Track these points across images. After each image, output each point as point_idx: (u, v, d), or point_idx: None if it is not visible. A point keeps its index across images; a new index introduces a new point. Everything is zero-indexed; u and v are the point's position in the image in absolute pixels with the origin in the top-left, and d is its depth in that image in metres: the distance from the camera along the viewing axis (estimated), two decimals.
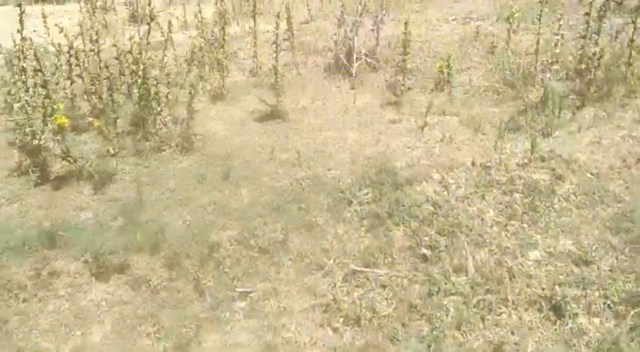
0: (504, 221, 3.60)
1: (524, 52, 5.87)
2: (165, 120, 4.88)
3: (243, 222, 3.83)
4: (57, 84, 5.56)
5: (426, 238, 3.55)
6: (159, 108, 4.84)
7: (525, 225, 3.54)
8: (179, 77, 6.20)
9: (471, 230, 3.55)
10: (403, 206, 3.80)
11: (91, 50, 5.50)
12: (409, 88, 5.42)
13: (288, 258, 3.52)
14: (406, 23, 5.21)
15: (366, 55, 6.23)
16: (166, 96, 5.02)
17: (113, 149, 4.62)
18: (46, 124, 4.69)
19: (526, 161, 4.13)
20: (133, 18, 8.31)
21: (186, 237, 3.72)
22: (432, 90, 5.58)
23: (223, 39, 5.77)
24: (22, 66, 4.94)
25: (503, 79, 5.36)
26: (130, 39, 5.35)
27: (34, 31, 5.80)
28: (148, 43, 5.79)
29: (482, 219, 3.63)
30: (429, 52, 6.24)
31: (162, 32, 6.08)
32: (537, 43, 5.14)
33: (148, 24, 5.61)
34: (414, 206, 3.79)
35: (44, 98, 4.58)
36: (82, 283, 3.57)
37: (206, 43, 6.41)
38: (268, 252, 3.58)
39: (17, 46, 5.00)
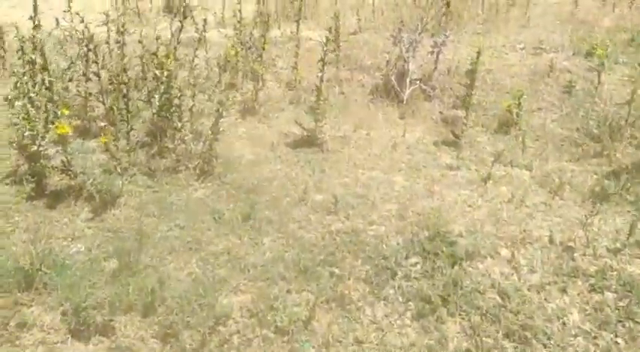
0: (593, 330, 2.75)
1: (608, 98, 5.01)
2: (185, 137, 4.16)
3: (261, 285, 3.06)
4: (70, 80, 4.90)
5: (490, 340, 2.75)
6: (179, 124, 4.12)
7: (620, 341, 2.71)
8: (208, 82, 5.51)
9: (549, 338, 2.70)
10: (462, 289, 2.97)
11: (117, 42, 4.83)
12: (470, 126, 4.62)
13: (311, 346, 2.74)
14: (479, 52, 4.39)
15: (421, 81, 5.43)
16: (190, 110, 4.31)
17: (120, 168, 3.92)
18: (47, 131, 4.02)
19: (619, 246, 3.29)
20: (168, 8, 7.62)
21: (190, 297, 2.97)
22: (496, 132, 4.77)
23: (263, 47, 5.01)
24: (31, 58, 4.28)
25: (585, 129, 4.50)
26: (157, 39, 4.65)
27: (63, 16, 5.16)
28: (179, 43, 5.10)
29: (564, 324, 2.79)
30: (493, 84, 5.37)
31: (196, 28, 5.38)
32: (634, 92, 4.28)
33: (181, 21, 4.89)
34: (476, 292, 2.96)
35: (47, 102, 3.90)
36: (55, 341, 2.83)
37: (243, 47, 5.69)
38: (287, 333, 2.80)
39: (28, 35, 4.36)
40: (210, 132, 4.01)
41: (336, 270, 3.14)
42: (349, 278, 3.08)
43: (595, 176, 3.97)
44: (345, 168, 4.18)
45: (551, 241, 3.33)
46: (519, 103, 4.64)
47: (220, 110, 3.87)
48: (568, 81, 5.23)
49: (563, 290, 2.96)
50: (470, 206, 3.68)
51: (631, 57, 5.59)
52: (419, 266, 3.14)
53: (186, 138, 4.12)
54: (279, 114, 5.07)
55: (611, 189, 3.67)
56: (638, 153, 4.09)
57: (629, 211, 3.54)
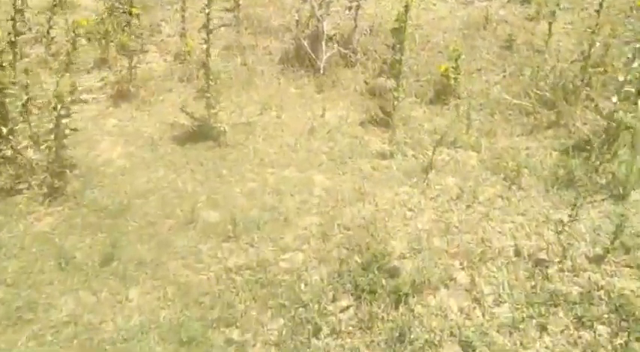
0: None
1: (556, 52, 4.27)
2: (20, 145, 2.98)
3: None
4: None
5: None
6: (5, 128, 2.92)
7: None
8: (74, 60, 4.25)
9: None
10: (412, 345, 2.15)
11: None
12: (402, 98, 3.71)
13: None
14: (407, 5, 3.45)
15: (340, 44, 4.44)
16: (24, 105, 3.09)
17: None
18: None
19: (601, 251, 2.54)
20: None
21: None
22: (433, 103, 3.91)
23: (130, 12, 3.77)
24: None
25: (534, 93, 3.73)
26: None
27: None
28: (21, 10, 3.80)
29: None
30: (424, 43, 4.43)
31: None
32: (591, 43, 3.51)
33: None
34: (431, 346, 2.16)
35: None
36: None
37: (111, 12, 4.42)
38: None
39: None
40: (52, 135, 2.86)
41: (235, 334, 2.21)
42: (254, 345, 2.17)
43: (554, 152, 3.22)
44: (250, 168, 3.16)
45: (517, 253, 2.50)
46: (457, 66, 3.79)
47: (57, 104, 2.71)
48: (508, 34, 4.42)
49: (543, 328, 2.20)
50: (411, 210, 2.79)
51: (574, 1, 4.88)
52: (351, 313, 2.24)
53: (20, 146, 2.95)
54: (163, 98, 3.91)
55: (578, 170, 2.94)
56: (600, 120, 3.39)
57: (604, 199, 2.82)
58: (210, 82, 3.28)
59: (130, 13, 3.66)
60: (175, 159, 3.19)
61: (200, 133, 3.36)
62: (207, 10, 3.21)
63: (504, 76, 3.95)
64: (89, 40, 4.59)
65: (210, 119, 3.39)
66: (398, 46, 3.86)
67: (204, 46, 3.31)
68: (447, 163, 3.11)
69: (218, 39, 4.71)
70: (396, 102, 3.45)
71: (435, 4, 4.97)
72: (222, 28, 4.87)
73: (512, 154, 3.17)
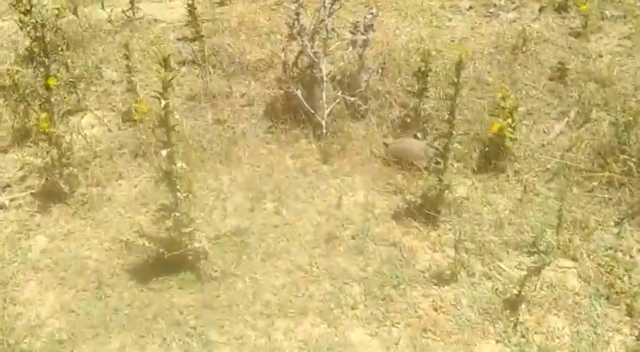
0: None
1: (622, 82, 3.29)
2: None
3: None
4: None
5: None
6: None
7: None
8: None
9: None
10: None
11: None
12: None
13: None
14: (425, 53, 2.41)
15: (343, 89, 3.38)
16: None
17: None
18: None
19: None
20: None
21: None
22: (480, 169, 2.89)
23: (47, 82, 2.52)
24: None
25: (618, 151, 2.76)
26: None
27: None
28: None
29: None
30: (448, 75, 3.50)
31: None
32: None
33: None
34: None
35: None
36: None
37: (32, 59, 3.22)
38: None
39: None
40: None
41: None
42: None
43: None
44: (251, 321, 2.14)
45: None
46: (513, 121, 2.81)
47: None
48: (554, 58, 3.46)
49: None
50: None
51: (621, 6, 3.94)
52: None
53: None
54: (112, 192, 2.78)
55: None
56: None
57: None
58: (179, 193, 2.18)
59: (48, 83, 2.46)
60: (136, 315, 2.12)
61: (170, 260, 2.30)
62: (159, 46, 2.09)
63: (568, 124, 3.00)
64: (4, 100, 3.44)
65: (181, 236, 2.32)
66: (420, 86, 2.92)
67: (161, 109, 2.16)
68: (536, 286, 2.16)
69: (179, 84, 3.62)
70: (444, 182, 2.45)
71: (450, 19, 3.96)
72: (184, 68, 3.78)
73: (625, 263, 2.24)
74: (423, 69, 2.89)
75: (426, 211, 2.46)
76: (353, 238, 2.39)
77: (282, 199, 2.62)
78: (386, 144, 2.95)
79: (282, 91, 3.27)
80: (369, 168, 2.83)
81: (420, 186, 2.61)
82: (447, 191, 2.39)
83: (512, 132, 2.68)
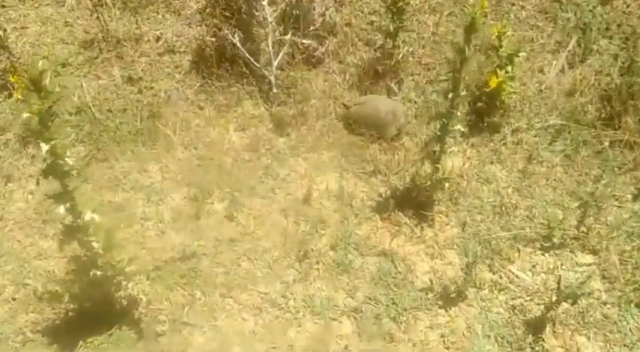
0: None
1: None
2: None
3: None
4: None
5: None
6: None
7: None
8: None
9: None
10: None
11: None
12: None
13: None
14: None
15: (291, 26, 2.57)
16: None
17: None
18: None
19: None
20: None
21: None
22: (473, 130, 2.32)
23: None
24: None
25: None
26: None
27: None
28: None
29: None
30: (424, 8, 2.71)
31: None
32: None
33: None
34: None
35: None
36: None
37: None
38: None
39: None
40: None
41: None
42: None
43: None
44: None
45: None
46: (511, 65, 2.19)
47: None
48: None
49: None
50: None
51: None
52: None
53: None
54: (2, 209, 2.07)
55: None
56: None
57: None
58: (96, 246, 1.52)
59: None
60: None
61: (98, 311, 1.71)
62: None
63: (567, 59, 2.47)
64: None
65: (112, 288, 1.71)
66: (396, 27, 2.22)
67: None
68: (558, 298, 1.79)
69: (67, 24, 2.68)
70: (442, 170, 1.92)
71: None
72: None
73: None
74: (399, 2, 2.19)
75: (415, 200, 1.98)
76: (333, 249, 1.88)
77: (234, 197, 2.03)
78: (346, 106, 2.32)
79: (212, 32, 2.49)
80: (336, 138, 2.23)
81: (402, 163, 2.09)
82: (445, 183, 1.88)
83: (512, 86, 2.14)
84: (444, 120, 1.77)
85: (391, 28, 2.29)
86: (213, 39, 2.46)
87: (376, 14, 2.59)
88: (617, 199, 2.00)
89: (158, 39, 2.57)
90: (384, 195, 2.01)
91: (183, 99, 2.39)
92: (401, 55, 2.36)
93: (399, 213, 1.98)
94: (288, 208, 2.00)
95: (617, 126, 2.18)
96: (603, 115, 2.23)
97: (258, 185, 2.08)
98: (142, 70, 2.47)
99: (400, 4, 2.16)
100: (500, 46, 2.17)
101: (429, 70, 2.45)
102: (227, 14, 2.52)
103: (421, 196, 1.97)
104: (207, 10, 2.59)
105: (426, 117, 2.27)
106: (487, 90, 2.10)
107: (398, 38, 2.32)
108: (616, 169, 2.08)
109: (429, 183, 1.88)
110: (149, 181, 2.11)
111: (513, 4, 2.64)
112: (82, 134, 2.25)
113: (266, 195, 2.05)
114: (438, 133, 1.80)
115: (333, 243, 1.90)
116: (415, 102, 2.34)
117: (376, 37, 2.49)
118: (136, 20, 2.60)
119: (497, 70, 2.10)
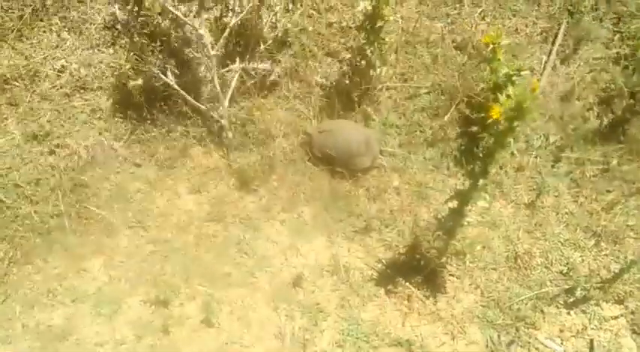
0: None
1: None
2: None
3: None
4: None
5: None
6: None
7: None
8: None
9: None
10: None
11: None
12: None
13: None
14: None
15: (245, 51, 1.93)
16: None
17: None
18: None
19: None
20: None
21: None
22: (459, 158, 1.95)
23: None
24: None
25: None
26: None
27: None
28: None
29: None
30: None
31: None
32: None
33: None
34: None
35: None
36: None
37: None
38: None
39: None
40: None
41: None
42: None
43: None
44: None
45: None
46: (511, 83, 1.82)
47: None
48: None
49: None
50: None
51: None
52: None
53: None
54: None
55: None
56: None
57: None
58: None
59: None
60: None
61: None
62: None
63: (557, 52, 2.11)
64: None
65: None
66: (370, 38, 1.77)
67: None
68: None
69: None
70: (456, 239, 1.58)
71: None
72: None
73: None
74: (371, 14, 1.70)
75: (420, 263, 1.68)
76: (340, 347, 1.56)
77: (206, 293, 1.63)
78: (308, 135, 1.89)
79: (131, 59, 1.89)
80: (313, 187, 1.83)
81: (395, 214, 1.75)
82: (466, 256, 1.58)
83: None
84: (459, 195, 1.42)
85: (364, 46, 1.82)
86: (133, 69, 1.89)
87: (335, 12, 2.10)
88: (632, 229, 1.82)
89: (60, 72, 1.95)
90: (384, 261, 1.69)
91: (111, 156, 1.86)
92: (375, 72, 1.92)
93: (406, 283, 1.69)
94: (276, 297, 1.64)
95: (621, 135, 1.95)
96: (605, 123, 1.98)
97: (233, 269, 1.68)
98: (47, 122, 1.88)
99: (380, 23, 1.69)
100: (497, 60, 1.80)
101: (405, 81, 2.04)
102: (145, 31, 1.93)
103: (427, 260, 1.68)
104: (118, 27, 1.97)
105: (412, 144, 1.92)
106: (486, 120, 1.76)
107: (369, 52, 1.87)
108: (625, 190, 1.88)
109: (443, 258, 1.58)
110: (93, 286, 1.64)
111: None
112: None
113: (245, 282, 1.66)
114: (452, 205, 1.46)
115: (338, 338, 1.58)
116: (397, 126, 1.96)
117: (340, 46, 2.03)
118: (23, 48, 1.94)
119: (498, 94, 1.75)
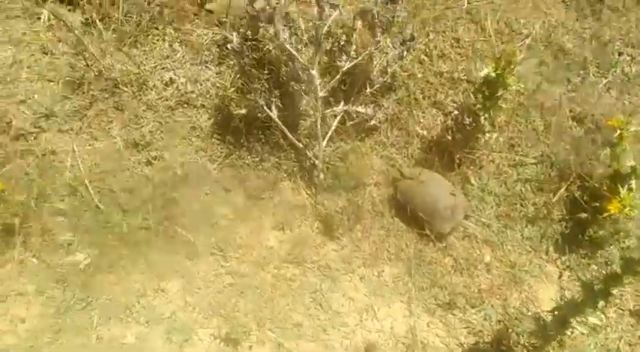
0: None
1: None
2: None
3: None
4: None
5: None
6: None
7: None
8: None
9: None
10: None
11: None
12: None
13: None
14: None
15: (350, 93, 1.84)
16: None
17: None
18: None
19: None
20: None
21: None
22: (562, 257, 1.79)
23: None
24: None
25: None
26: None
27: None
28: None
29: None
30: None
31: None
32: None
33: None
34: None
35: None
36: None
37: None
38: None
39: None
40: None
41: None
42: None
43: None
44: None
45: None
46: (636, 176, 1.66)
47: None
48: None
49: None
50: None
51: None
52: None
53: None
54: None
55: None
56: None
57: None
58: None
59: None
60: None
61: None
62: None
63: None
64: None
65: None
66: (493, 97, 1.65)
67: None
68: None
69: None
70: None
71: None
72: None
73: None
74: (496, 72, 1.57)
75: None
76: None
77: (278, 344, 1.59)
78: (402, 174, 1.78)
79: (236, 84, 1.86)
80: (398, 246, 1.76)
81: (484, 294, 1.65)
82: None
83: (632, 206, 1.63)
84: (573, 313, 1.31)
85: (478, 111, 1.70)
86: (237, 92, 1.86)
87: (447, 61, 1.98)
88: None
89: (167, 84, 1.95)
90: (466, 346, 1.60)
91: (204, 177, 1.85)
92: (484, 137, 1.80)
93: None
94: None
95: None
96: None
97: (306, 320, 1.64)
98: (149, 132, 1.89)
99: (500, 92, 1.57)
100: (623, 147, 1.64)
101: (512, 146, 1.91)
102: (255, 56, 1.89)
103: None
104: (228, 46, 1.94)
105: (510, 218, 1.79)
106: (601, 211, 1.61)
107: (483, 119, 1.74)
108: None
109: None
110: (169, 309, 1.65)
111: None
112: (80, 230, 1.75)
113: (317, 336, 1.62)
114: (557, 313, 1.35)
115: None
116: (496, 195, 1.84)
117: (447, 98, 1.91)
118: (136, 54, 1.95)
119: (619, 186, 1.59)
